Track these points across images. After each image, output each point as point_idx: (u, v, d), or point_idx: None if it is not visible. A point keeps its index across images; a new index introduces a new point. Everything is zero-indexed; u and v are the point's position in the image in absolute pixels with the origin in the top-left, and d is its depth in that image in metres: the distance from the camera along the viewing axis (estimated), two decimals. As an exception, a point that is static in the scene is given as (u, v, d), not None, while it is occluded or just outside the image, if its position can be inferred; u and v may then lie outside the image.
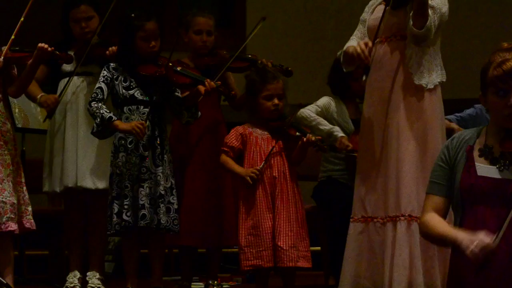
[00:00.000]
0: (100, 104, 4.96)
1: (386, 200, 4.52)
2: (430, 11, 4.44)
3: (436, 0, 4.49)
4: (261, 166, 4.83)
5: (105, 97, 5.00)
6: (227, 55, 5.43)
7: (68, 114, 5.35)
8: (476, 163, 3.23)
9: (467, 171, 3.22)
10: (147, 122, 4.95)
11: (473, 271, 3.14)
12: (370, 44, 4.45)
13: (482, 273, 3.12)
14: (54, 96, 5.29)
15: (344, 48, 4.68)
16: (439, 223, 3.26)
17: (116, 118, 4.94)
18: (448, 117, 5.43)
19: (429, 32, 4.43)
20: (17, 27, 4.88)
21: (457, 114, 5.59)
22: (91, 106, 4.98)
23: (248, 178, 4.80)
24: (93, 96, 5.01)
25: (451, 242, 3.16)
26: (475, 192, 3.20)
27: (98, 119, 4.93)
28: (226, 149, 4.95)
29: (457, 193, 3.27)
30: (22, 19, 4.88)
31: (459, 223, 3.21)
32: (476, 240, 3.04)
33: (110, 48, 5.22)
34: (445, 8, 4.53)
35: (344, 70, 4.77)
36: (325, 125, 5.46)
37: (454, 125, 5.39)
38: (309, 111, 5.50)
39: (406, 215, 4.45)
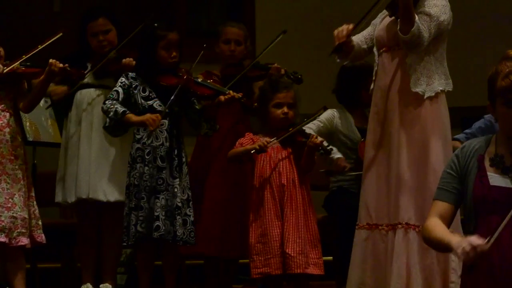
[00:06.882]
0: (114, 101, 4.99)
1: (389, 208, 4.54)
2: (426, 18, 4.42)
3: (434, 9, 4.46)
4: (271, 141, 4.83)
5: (119, 99, 5.01)
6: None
7: (83, 125, 5.35)
8: (488, 173, 3.23)
9: (480, 181, 3.22)
10: (161, 117, 4.94)
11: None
12: (350, 27, 4.54)
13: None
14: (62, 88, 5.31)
15: None
16: (437, 227, 3.28)
17: (129, 112, 4.96)
18: (457, 136, 5.30)
19: (417, 38, 4.38)
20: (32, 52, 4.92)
21: (466, 131, 5.43)
22: (105, 104, 5.01)
23: (257, 145, 4.80)
24: (108, 97, 5.05)
25: (445, 245, 3.18)
26: (488, 202, 3.21)
27: (112, 113, 4.96)
28: (237, 146, 4.95)
29: (469, 203, 3.28)
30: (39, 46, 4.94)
31: (472, 233, 3.21)
32: (468, 240, 3.06)
33: (124, 60, 5.23)
34: (444, 17, 4.49)
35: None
36: None
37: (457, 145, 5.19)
38: (310, 130, 5.41)
39: (403, 223, 4.47)
